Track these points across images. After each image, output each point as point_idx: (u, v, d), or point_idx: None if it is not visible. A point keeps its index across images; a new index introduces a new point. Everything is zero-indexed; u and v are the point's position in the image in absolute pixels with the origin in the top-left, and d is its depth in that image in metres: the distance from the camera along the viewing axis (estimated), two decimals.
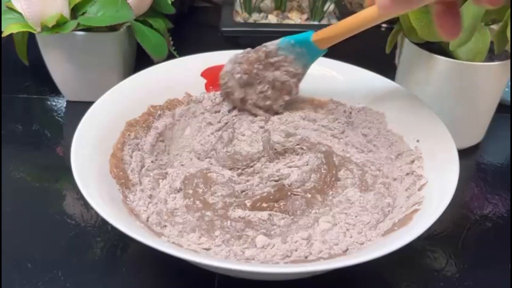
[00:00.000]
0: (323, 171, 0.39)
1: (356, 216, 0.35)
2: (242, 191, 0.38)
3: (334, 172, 0.39)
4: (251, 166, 0.41)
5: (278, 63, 0.43)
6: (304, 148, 0.42)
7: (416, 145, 0.39)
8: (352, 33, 0.37)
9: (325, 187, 0.38)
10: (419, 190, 0.35)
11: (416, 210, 0.33)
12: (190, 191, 0.37)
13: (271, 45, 0.43)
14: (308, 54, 0.42)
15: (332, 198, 0.38)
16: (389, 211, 0.36)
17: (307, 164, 0.40)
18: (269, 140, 0.42)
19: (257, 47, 0.43)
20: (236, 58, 0.43)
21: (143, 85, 0.43)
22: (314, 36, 0.40)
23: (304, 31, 0.41)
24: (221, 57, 0.46)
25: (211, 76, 0.45)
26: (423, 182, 0.35)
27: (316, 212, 0.36)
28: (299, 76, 0.43)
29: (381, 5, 0.31)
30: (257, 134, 0.44)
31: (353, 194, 0.37)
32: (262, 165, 0.40)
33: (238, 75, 0.43)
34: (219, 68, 0.45)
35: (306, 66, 0.43)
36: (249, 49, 0.43)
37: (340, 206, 0.36)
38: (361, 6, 0.80)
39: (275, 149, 0.42)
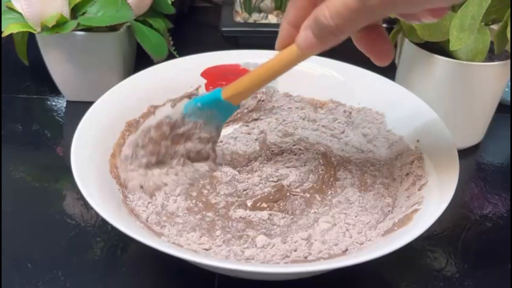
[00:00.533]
0: (320, 171, 0.39)
1: (355, 216, 0.35)
2: (244, 190, 0.38)
3: (332, 172, 0.39)
4: (249, 165, 0.41)
5: (188, 132, 0.37)
6: (302, 148, 0.42)
7: (416, 145, 0.39)
8: (268, 82, 0.34)
9: (324, 187, 0.38)
10: (419, 190, 0.35)
11: (416, 210, 0.33)
12: (194, 193, 0.37)
13: (175, 114, 0.36)
14: (221, 114, 0.37)
15: (331, 198, 0.38)
16: (389, 211, 0.36)
17: (305, 165, 0.40)
18: (265, 140, 0.42)
19: (159, 121, 0.36)
20: (136, 141, 0.36)
21: (143, 85, 0.43)
22: (223, 93, 0.35)
23: None
24: (221, 57, 0.46)
25: (211, 76, 0.46)
26: (423, 182, 0.35)
27: (315, 212, 0.36)
28: (214, 139, 0.38)
29: (305, 45, 0.28)
30: (253, 135, 0.44)
31: (352, 194, 0.37)
32: (260, 163, 0.40)
33: (145, 160, 0.36)
34: (219, 68, 0.45)
35: (220, 127, 0.38)
36: (148, 125, 0.37)
37: (340, 206, 0.36)
38: None
39: (272, 150, 0.42)
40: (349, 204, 0.36)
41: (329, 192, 0.38)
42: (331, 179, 0.39)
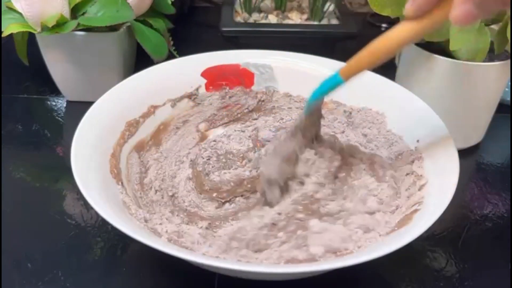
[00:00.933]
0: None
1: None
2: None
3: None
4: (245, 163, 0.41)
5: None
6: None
7: (416, 145, 0.39)
8: (386, 59, 0.31)
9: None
10: (419, 190, 0.35)
11: (416, 210, 0.33)
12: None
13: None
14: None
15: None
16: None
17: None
18: (257, 137, 0.42)
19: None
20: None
21: (143, 85, 0.43)
22: (343, 75, 0.34)
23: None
24: (221, 57, 0.46)
25: (211, 76, 0.46)
26: (423, 182, 0.35)
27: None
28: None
29: (464, 19, 0.26)
30: (246, 132, 0.44)
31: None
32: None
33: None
34: (219, 68, 0.45)
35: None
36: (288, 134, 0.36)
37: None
38: (362, 6, 0.80)
39: (264, 145, 0.42)
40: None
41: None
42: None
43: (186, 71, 0.45)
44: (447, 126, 0.38)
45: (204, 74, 0.46)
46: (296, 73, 0.46)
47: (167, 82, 0.44)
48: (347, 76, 0.33)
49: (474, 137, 0.50)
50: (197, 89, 0.45)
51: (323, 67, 0.46)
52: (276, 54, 0.47)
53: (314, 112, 0.36)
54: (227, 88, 0.46)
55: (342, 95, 0.45)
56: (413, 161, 0.38)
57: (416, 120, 0.40)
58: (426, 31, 0.29)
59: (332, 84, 0.34)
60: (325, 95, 0.35)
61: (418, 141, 0.39)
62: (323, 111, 0.46)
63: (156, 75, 0.44)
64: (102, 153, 0.37)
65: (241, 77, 0.46)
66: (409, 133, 0.40)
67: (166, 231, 0.33)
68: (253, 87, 0.46)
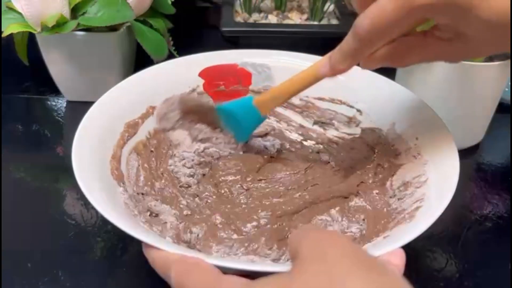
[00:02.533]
0: None
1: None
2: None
3: None
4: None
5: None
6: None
7: (415, 143, 0.39)
8: (297, 93, 0.37)
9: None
10: (419, 187, 0.35)
11: (417, 208, 0.33)
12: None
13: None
14: (243, 122, 0.40)
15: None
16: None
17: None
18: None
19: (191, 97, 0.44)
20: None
21: (143, 85, 0.43)
22: (255, 100, 0.39)
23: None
24: (221, 57, 0.46)
25: (209, 77, 0.45)
26: (423, 179, 0.35)
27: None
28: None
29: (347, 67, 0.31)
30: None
31: None
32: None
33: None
34: (216, 68, 0.44)
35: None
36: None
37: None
38: None
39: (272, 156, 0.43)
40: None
41: None
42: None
43: (186, 71, 0.45)
44: (447, 125, 0.38)
45: (202, 74, 0.45)
46: (294, 72, 0.46)
47: (167, 82, 0.44)
48: (257, 101, 0.38)
49: (474, 137, 0.50)
50: (193, 90, 0.45)
51: None
52: (274, 54, 0.47)
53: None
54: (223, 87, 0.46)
55: (342, 94, 0.45)
56: (412, 159, 0.38)
57: (415, 118, 0.40)
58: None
59: (241, 101, 0.40)
60: (231, 107, 0.40)
61: (417, 138, 0.39)
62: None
63: (156, 75, 0.44)
64: (102, 153, 0.36)
65: (238, 77, 0.46)
66: (408, 131, 0.40)
67: (170, 228, 0.33)
68: (250, 87, 0.46)
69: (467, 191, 0.45)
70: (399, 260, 0.26)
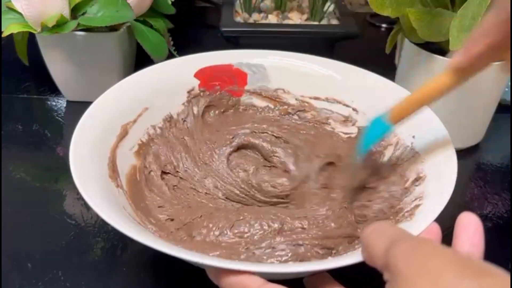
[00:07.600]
0: None
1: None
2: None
3: None
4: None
5: None
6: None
7: (412, 141, 0.39)
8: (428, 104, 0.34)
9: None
10: (418, 185, 0.35)
11: (417, 206, 0.33)
12: None
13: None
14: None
15: None
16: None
17: None
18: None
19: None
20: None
21: (143, 85, 0.43)
22: (391, 119, 0.35)
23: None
24: (221, 57, 0.46)
25: (204, 77, 0.45)
26: (421, 176, 0.35)
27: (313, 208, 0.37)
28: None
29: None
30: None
31: None
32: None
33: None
34: (212, 68, 0.44)
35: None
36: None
37: None
38: (362, 6, 0.80)
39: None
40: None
41: None
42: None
43: (186, 71, 0.45)
44: (447, 126, 0.38)
45: (197, 74, 0.45)
46: (289, 72, 0.46)
47: (167, 82, 0.44)
48: (394, 119, 0.34)
49: (474, 137, 0.50)
50: (189, 92, 0.45)
51: (322, 67, 0.46)
52: (269, 54, 0.47)
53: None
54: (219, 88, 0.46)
55: (341, 95, 0.45)
56: (410, 157, 0.38)
57: (416, 120, 0.40)
58: (465, 81, 0.30)
59: (381, 131, 0.35)
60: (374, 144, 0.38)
61: (413, 136, 0.39)
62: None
63: (156, 75, 0.44)
64: (101, 154, 0.36)
65: (234, 77, 0.46)
66: (405, 129, 0.40)
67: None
68: (246, 87, 0.46)
69: (467, 191, 0.45)
70: (437, 236, 0.27)
